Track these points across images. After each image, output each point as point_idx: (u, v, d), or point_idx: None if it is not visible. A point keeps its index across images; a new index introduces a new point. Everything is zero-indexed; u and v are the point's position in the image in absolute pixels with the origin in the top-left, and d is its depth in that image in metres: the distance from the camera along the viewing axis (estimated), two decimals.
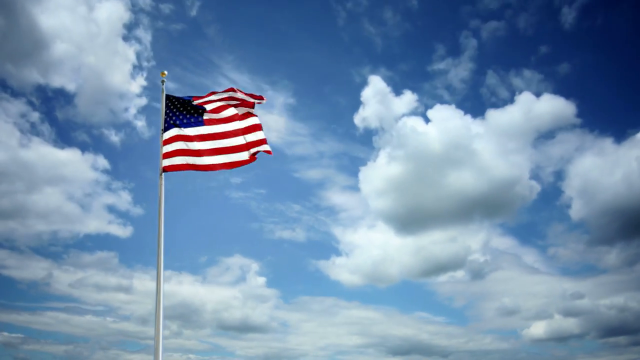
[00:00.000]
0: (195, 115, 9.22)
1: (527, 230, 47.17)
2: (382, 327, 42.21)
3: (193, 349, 38.33)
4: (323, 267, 44.23)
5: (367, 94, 45.61)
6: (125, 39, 43.04)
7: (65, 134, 42.25)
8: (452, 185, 41.82)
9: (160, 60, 44.90)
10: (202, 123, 9.20)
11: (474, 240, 43.64)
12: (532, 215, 46.28)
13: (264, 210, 46.54)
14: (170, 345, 34.41)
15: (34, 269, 38.46)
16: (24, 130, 38.90)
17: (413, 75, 51.57)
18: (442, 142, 41.62)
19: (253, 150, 9.30)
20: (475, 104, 49.64)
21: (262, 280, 40.97)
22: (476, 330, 41.86)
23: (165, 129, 9.14)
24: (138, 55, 43.28)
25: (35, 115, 39.56)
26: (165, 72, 9.32)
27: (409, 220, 43.58)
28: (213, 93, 9.78)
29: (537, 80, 47.60)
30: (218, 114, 9.51)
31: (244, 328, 39.27)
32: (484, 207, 43.01)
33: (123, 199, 41.57)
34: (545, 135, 45.32)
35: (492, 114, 45.47)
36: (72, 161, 41.16)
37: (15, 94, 39.88)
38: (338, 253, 45.35)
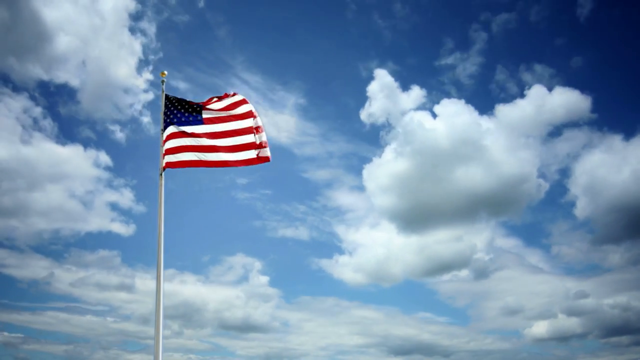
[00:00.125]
0: (194, 114, 9.19)
1: (532, 229, 46.97)
2: (384, 327, 42.25)
3: (194, 349, 38.37)
4: (326, 266, 44.25)
5: (374, 89, 44.94)
6: (132, 30, 42.66)
7: (68, 130, 41.92)
8: (458, 182, 41.36)
9: (168, 52, 44.84)
10: (201, 122, 9.17)
11: (478, 238, 43.26)
12: (537, 213, 45.93)
13: (270, 210, 46.73)
14: (171, 345, 34.41)
15: (35, 268, 38.31)
16: (26, 126, 38.60)
17: (421, 69, 51.20)
18: (450, 138, 40.99)
19: (260, 151, 9.18)
20: (484, 99, 49.17)
21: (265, 279, 40.96)
22: (478, 330, 41.86)
23: (165, 129, 9.16)
24: (144, 48, 42.68)
25: (37, 111, 39.18)
26: (165, 72, 9.29)
27: (414, 218, 43.16)
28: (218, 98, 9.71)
29: (549, 75, 46.90)
30: (223, 112, 9.43)
31: (246, 328, 39.26)
32: (490, 204, 42.55)
33: (125, 197, 41.19)
34: (555, 130, 44.73)
35: (502, 109, 44.88)
36: (74, 158, 40.80)
37: (17, 89, 39.52)
38: (341, 252, 45.41)
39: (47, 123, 39.73)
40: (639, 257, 40.21)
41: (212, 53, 48.34)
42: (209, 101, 9.51)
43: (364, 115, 45.36)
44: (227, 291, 41.83)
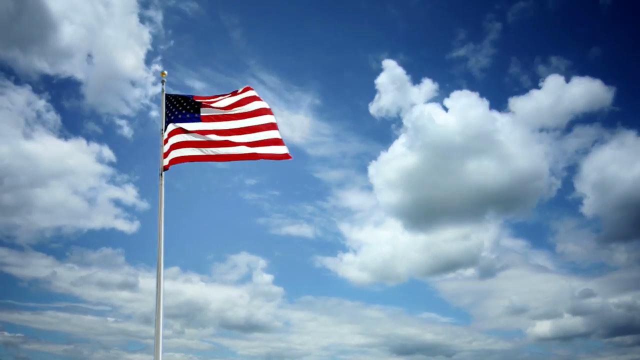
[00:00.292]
0: (192, 111, 9.19)
1: (539, 227, 46.31)
2: (386, 327, 42.16)
3: (194, 349, 38.23)
4: (330, 264, 44.10)
5: (384, 81, 43.76)
6: (141, 19, 41.48)
7: (72, 125, 40.92)
8: (468, 178, 40.54)
9: (177, 45, 44.52)
10: (198, 119, 9.18)
11: (485, 236, 42.69)
12: (545, 211, 45.19)
13: (277, 210, 46.62)
14: (173, 345, 34.35)
15: (36, 267, 37.85)
16: (29, 121, 37.67)
17: (432, 61, 50.27)
18: (461, 133, 39.86)
19: (266, 148, 9.18)
20: (497, 91, 48.10)
21: (269, 277, 40.76)
22: (481, 329, 41.74)
23: (165, 129, 9.19)
24: (153, 38, 41.73)
25: (41, 104, 38.08)
26: (165, 72, 9.29)
27: (421, 215, 42.40)
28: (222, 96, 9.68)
29: (565, 67, 45.55)
30: (228, 110, 9.41)
31: (248, 327, 39.13)
32: (499, 201, 41.80)
33: (129, 193, 40.54)
34: (570, 125, 43.60)
35: (515, 102, 43.86)
36: (77, 153, 39.95)
37: (21, 81, 38.39)
38: (346, 250, 45.17)
39: (51, 117, 38.67)
40: None
41: (226, 50, 48.30)
42: (215, 98, 9.51)
43: (373, 109, 44.48)
44: (230, 290, 41.82)
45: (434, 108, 41.90)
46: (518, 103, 43.73)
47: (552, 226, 46.00)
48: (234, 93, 9.55)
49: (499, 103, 49.30)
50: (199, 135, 9.11)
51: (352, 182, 48.26)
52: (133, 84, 41.76)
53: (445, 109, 41.38)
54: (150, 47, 41.10)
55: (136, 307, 38.13)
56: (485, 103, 41.66)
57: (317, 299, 42.72)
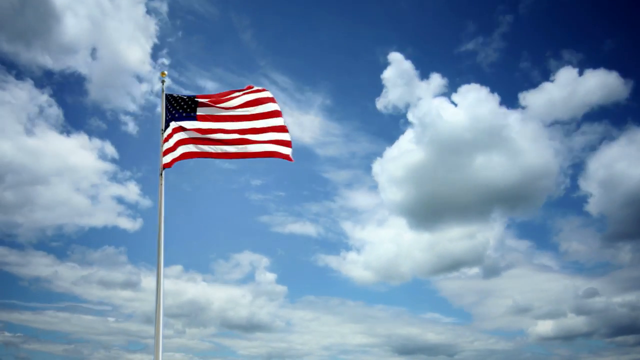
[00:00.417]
0: (188, 110, 9.22)
1: (544, 226, 45.89)
2: (388, 326, 42.12)
3: (195, 348, 38.12)
4: (333, 263, 44.06)
5: (391, 75, 42.89)
6: (147, 10, 40.44)
7: (75, 121, 40.36)
8: (476, 175, 39.86)
9: (187, 42, 44.20)
10: (194, 118, 9.19)
11: (491, 235, 42.32)
12: (550, 209, 44.68)
13: (282, 210, 46.54)
14: (173, 345, 34.29)
15: (37, 266, 37.48)
16: (31, 117, 36.94)
17: (441, 55, 49.50)
18: (470, 129, 39.06)
19: (270, 147, 9.12)
20: (507, 85, 47.20)
21: (272, 276, 40.62)
22: (484, 329, 41.62)
23: (165, 129, 9.21)
24: (160, 30, 40.61)
25: (43, 100, 37.31)
26: (165, 72, 9.28)
27: (426, 213, 41.81)
28: (229, 92, 9.65)
29: (578, 60, 44.49)
30: (232, 110, 9.40)
31: (250, 327, 39.05)
32: (506, 199, 41.10)
33: (132, 190, 39.93)
34: (583, 120, 42.65)
35: (525, 97, 42.93)
36: (80, 150, 39.25)
37: (23, 76, 37.52)
38: (348, 248, 45.01)
39: (53, 113, 37.92)
40: None
41: (237, 51, 48.23)
42: (223, 95, 9.48)
43: (380, 104, 43.84)
44: (233, 289, 41.75)
45: (442, 103, 41.10)
46: (529, 97, 42.95)
47: (556, 225, 45.63)
48: (248, 88, 9.51)
49: (509, 97, 47.93)
50: (194, 133, 9.12)
51: (360, 182, 48.35)
52: (139, 78, 41.11)
53: (454, 104, 40.56)
54: (156, 40, 40.40)
55: (137, 306, 38.02)
56: (494, 98, 40.87)
57: (319, 298, 42.81)
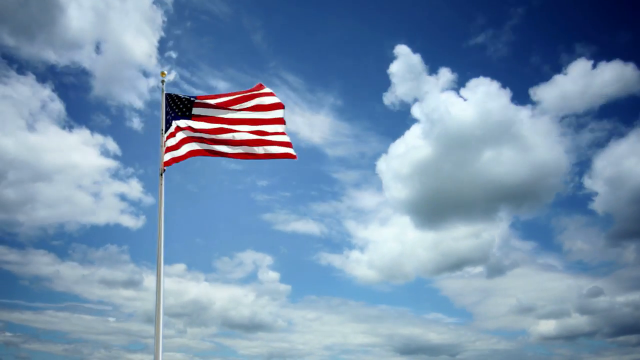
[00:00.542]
0: (184, 109, 9.23)
1: (548, 224, 45.42)
2: (390, 326, 42.05)
3: (195, 348, 37.98)
4: (336, 261, 43.97)
5: (398, 70, 41.95)
6: (154, 1, 39.17)
7: (78, 116, 39.53)
8: (483, 171, 39.06)
9: (196, 37, 43.62)
10: (189, 118, 9.18)
11: (496, 233, 41.73)
12: (555, 207, 44.08)
13: (288, 210, 46.48)
14: (174, 344, 34.18)
15: (38, 265, 37.19)
16: (33, 112, 36.25)
17: (449, 48, 48.70)
18: (479, 123, 38.11)
19: (266, 148, 9.17)
20: (517, 79, 46.15)
21: (276, 275, 40.56)
22: (486, 329, 41.44)
23: (166, 129, 9.19)
24: (167, 22, 39.60)
25: (45, 94, 36.55)
26: (165, 72, 9.21)
27: (431, 212, 41.15)
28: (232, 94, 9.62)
29: (591, 53, 43.02)
30: (231, 112, 9.37)
31: (251, 326, 38.93)
32: (514, 197, 40.26)
33: (134, 188, 39.42)
34: (590, 116, 41.77)
35: (536, 91, 42.06)
36: (82, 146, 38.56)
37: (24, 71, 36.86)
38: (352, 247, 44.93)
39: (56, 108, 37.14)
40: None
41: (248, 51, 48.04)
42: (231, 97, 9.44)
43: (387, 99, 43.31)
44: (235, 288, 41.64)
45: (451, 97, 40.23)
46: (540, 92, 42.16)
47: (561, 223, 45.04)
48: (259, 87, 9.45)
49: (519, 92, 46.01)
50: (188, 131, 9.18)
51: (369, 182, 48.18)
52: (145, 73, 40.23)
53: (463, 99, 39.71)
54: (163, 33, 39.46)
55: (138, 305, 37.79)
56: (504, 92, 39.95)
57: (321, 298, 42.74)
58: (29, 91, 36.47)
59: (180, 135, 9.13)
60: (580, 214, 44.43)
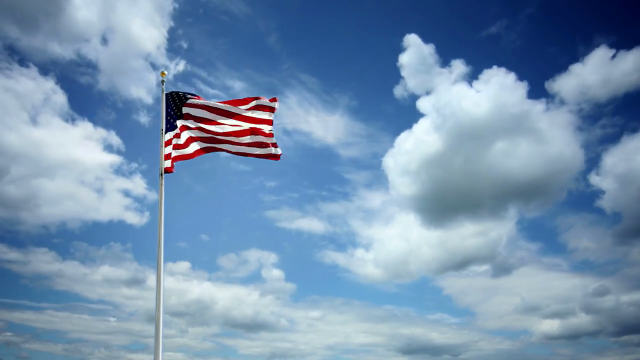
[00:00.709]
0: (175, 109, 9.23)
1: (555, 222, 44.75)
2: (392, 326, 41.91)
3: (196, 348, 37.73)
4: (341, 260, 43.84)
5: (409, 61, 40.86)
6: None
7: (83, 109, 38.93)
8: (494, 167, 38.05)
9: (212, 38, 43.06)
10: (180, 117, 9.20)
11: (503, 232, 41.07)
12: (563, 205, 43.32)
13: (295, 208, 46.31)
14: (175, 344, 34.01)
15: (39, 263, 36.77)
16: (36, 106, 35.40)
17: (462, 39, 47.49)
18: (492, 117, 36.98)
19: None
20: (532, 71, 44.98)
21: (280, 274, 40.33)
22: (489, 329, 41.28)
23: (167, 130, 9.12)
24: (176, 13, 38.76)
25: (49, 87, 35.68)
26: (165, 72, 9.11)
27: (438, 209, 40.44)
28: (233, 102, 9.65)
29: (609, 43, 41.06)
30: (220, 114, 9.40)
31: (254, 326, 38.72)
32: (524, 193, 39.21)
33: (138, 184, 38.73)
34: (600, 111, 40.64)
35: (552, 84, 40.88)
36: (86, 141, 37.82)
37: (27, 63, 35.94)
38: (356, 245, 44.78)
39: (60, 102, 36.24)
40: None
41: (264, 53, 47.83)
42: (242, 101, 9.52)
43: (398, 91, 42.54)
44: (239, 287, 41.46)
45: (463, 89, 39.02)
46: (556, 84, 41.00)
47: (568, 221, 44.34)
48: (256, 99, 9.52)
49: (534, 84, 43.95)
50: (199, 132, 9.27)
51: (380, 182, 47.98)
52: (153, 66, 39.20)
53: (476, 91, 38.59)
54: (172, 22, 38.39)
55: (140, 304, 37.41)
56: (518, 84, 38.65)
57: (324, 297, 42.64)
58: (32, 84, 35.79)
59: (186, 134, 9.16)
60: (587, 212, 43.88)
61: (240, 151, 9.29)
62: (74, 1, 34.64)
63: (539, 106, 40.04)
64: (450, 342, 39.93)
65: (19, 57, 35.51)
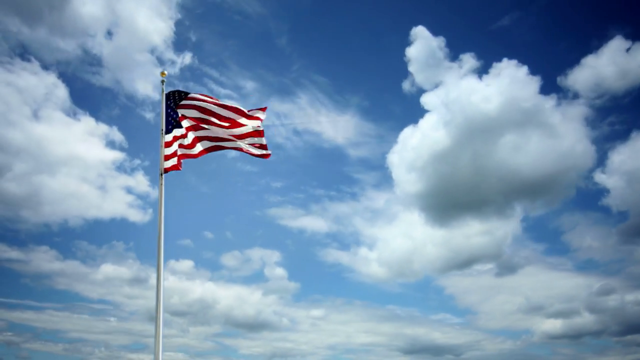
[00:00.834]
0: (175, 108, 9.19)
1: (560, 221, 44.34)
2: (394, 325, 41.80)
3: (197, 347, 37.57)
4: (344, 259, 43.67)
5: (418, 55, 40.11)
6: None
7: (85, 105, 38.57)
8: (501, 163, 37.45)
9: (223, 39, 42.48)
10: (177, 114, 9.19)
11: (509, 230, 40.62)
12: (569, 203, 42.70)
13: (298, 206, 46.08)
14: (175, 343, 33.89)
15: (39, 262, 36.56)
16: (39, 102, 35.00)
17: (473, 32, 46.74)
18: (502, 111, 36.22)
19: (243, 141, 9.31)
20: (544, 65, 43.54)
21: (283, 273, 40.20)
22: (492, 329, 41.18)
23: (168, 130, 9.00)
24: (182, 7, 38.05)
25: (51, 82, 35.26)
26: (165, 72, 8.95)
27: (442, 207, 40.00)
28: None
29: (624, 34, 39.83)
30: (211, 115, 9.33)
31: (255, 325, 38.57)
32: (532, 189, 38.58)
33: (140, 182, 38.45)
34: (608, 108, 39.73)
35: (564, 78, 40.42)
36: (89, 137, 37.37)
37: (30, 58, 35.60)
38: (360, 244, 44.68)
39: (64, 98, 35.88)
40: None
41: (276, 54, 47.72)
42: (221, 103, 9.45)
43: (406, 86, 41.91)
44: (241, 287, 41.33)
45: (473, 84, 38.28)
46: (568, 79, 40.35)
47: (574, 219, 43.97)
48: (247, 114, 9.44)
49: (546, 77, 42.66)
50: (203, 131, 9.32)
51: (388, 182, 47.69)
52: (159, 60, 38.90)
53: (485, 85, 37.93)
54: (179, 15, 37.84)
55: (142, 304, 37.17)
56: (529, 78, 37.85)
57: (327, 297, 42.53)
58: (35, 79, 35.38)
59: (192, 135, 9.18)
60: (592, 210, 43.42)
61: (236, 146, 9.27)
62: None
63: (551, 100, 39.46)
64: (453, 342, 39.89)
65: (21, 51, 35.20)
